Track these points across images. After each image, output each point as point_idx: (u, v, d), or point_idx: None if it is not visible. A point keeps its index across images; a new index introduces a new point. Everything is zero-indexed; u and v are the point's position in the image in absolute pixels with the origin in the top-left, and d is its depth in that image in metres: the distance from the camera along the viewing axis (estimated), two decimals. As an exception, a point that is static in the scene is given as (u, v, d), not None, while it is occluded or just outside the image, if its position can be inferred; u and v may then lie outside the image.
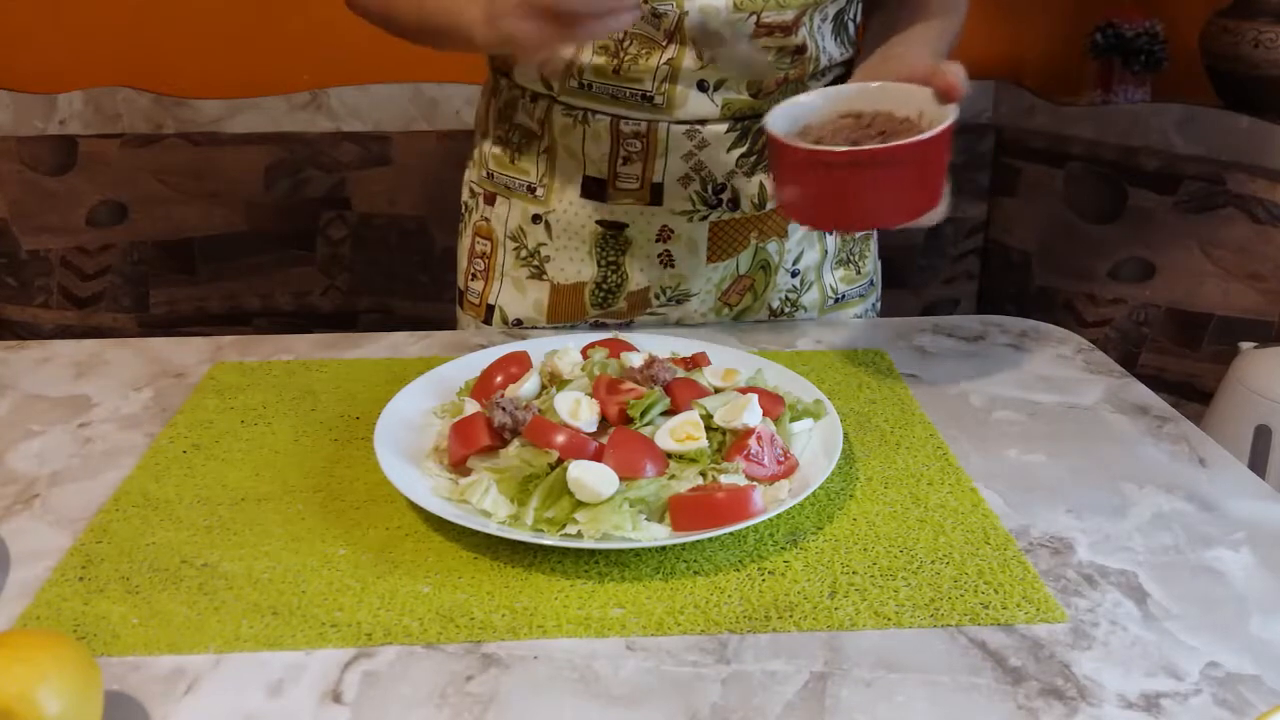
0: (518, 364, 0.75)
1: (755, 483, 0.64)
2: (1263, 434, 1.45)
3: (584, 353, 0.76)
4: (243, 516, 0.65)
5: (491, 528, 0.60)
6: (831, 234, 0.94)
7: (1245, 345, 1.56)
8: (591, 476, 0.60)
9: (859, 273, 1.01)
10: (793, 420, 0.71)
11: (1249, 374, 1.49)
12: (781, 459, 0.67)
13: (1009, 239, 1.94)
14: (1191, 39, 1.79)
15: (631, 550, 0.61)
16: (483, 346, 0.84)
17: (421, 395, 0.75)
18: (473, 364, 0.78)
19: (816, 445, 0.70)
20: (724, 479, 0.64)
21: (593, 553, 0.61)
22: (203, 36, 1.80)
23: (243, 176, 1.81)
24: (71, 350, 0.88)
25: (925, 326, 0.94)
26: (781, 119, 0.72)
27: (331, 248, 1.85)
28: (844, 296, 1.00)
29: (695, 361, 0.76)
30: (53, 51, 1.82)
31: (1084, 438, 0.76)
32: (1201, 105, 1.74)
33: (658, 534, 0.61)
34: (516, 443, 0.64)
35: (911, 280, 1.97)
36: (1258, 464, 1.45)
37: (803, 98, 0.75)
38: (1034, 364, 0.87)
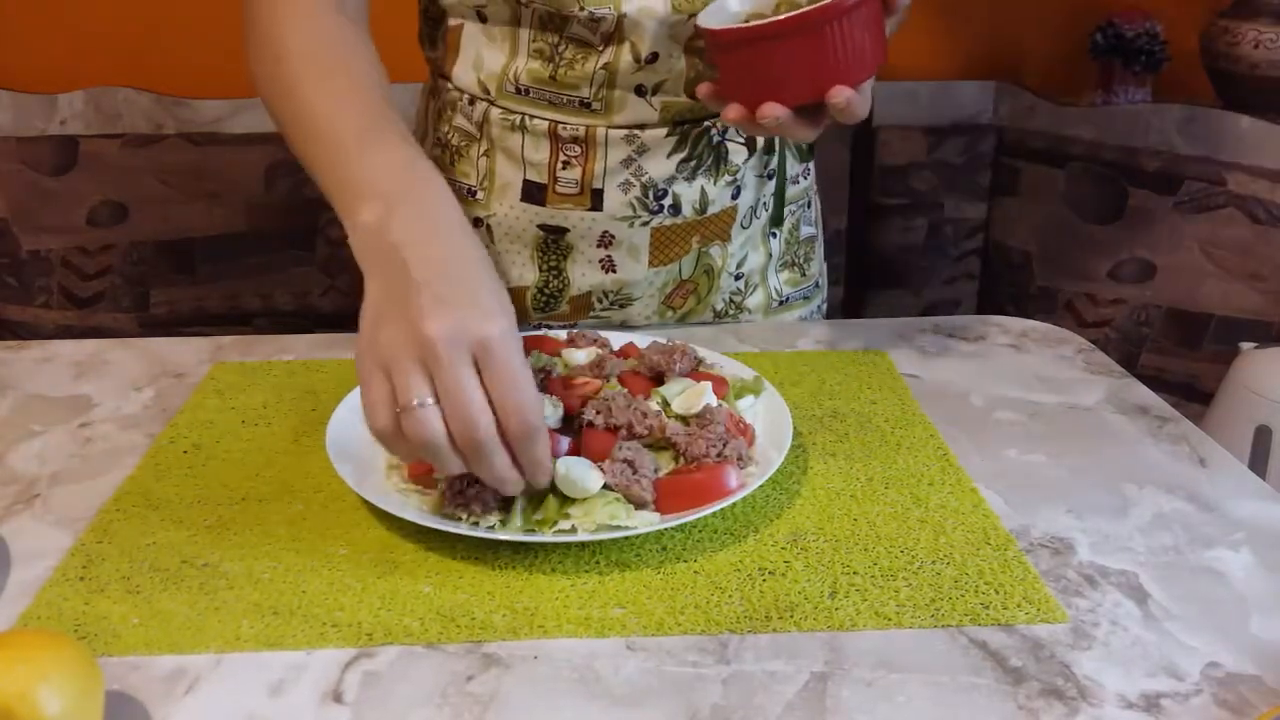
0: None
1: (726, 460, 0.65)
2: (1263, 434, 1.45)
3: None
4: (243, 516, 0.65)
5: (494, 532, 0.60)
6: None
7: (1245, 345, 1.56)
8: (579, 472, 0.61)
9: (804, 275, 1.02)
10: (736, 398, 0.74)
11: (1249, 374, 1.49)
12: (742, 429, 0.70)
13: (1009, 239, 1.94)
14: (1191, 39, 1.79)
15: (632, 550, 0.62)
16: None
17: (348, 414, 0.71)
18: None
19: (764, 420, 0.72)
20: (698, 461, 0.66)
21: (593, 552, 0.61)
22: (203, 36, 1.80)
23: (243, 176, 1.81)
24: (72, 350, 0.88)
25: (925, 326, 0.94)
26: (714, 16, 0.72)
27: (331, 248, 1.85)
28: (789, 299, 1.01)
29: (625, 353, 0.78)
30: (53, 51, 1.82)
31: (1084, 438, 0.76)
32: (1201, 105, 1.74)
33: (651, 520, 0.61)
34: None
35: (911, 280, 1.97)
36: (1258, 464, 1.45)
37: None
38: (1034, 364, 0.87)
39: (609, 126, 0.84)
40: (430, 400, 0.55)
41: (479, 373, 0.56)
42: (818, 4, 0.66)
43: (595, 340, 0.80)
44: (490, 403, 0.56)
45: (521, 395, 0.56)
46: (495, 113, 0.85)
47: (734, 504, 0.65)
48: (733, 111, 0.70)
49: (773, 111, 0.68)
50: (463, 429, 0.55)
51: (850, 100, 0.67)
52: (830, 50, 0.67)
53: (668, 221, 0.88)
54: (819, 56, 0.67)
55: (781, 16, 0.67)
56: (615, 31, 0.79)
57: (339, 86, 0.70)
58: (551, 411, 0.68)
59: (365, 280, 0.61)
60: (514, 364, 0.56)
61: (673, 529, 0.63)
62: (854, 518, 0.65)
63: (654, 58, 0.80)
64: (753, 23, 0.68)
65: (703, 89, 0.74)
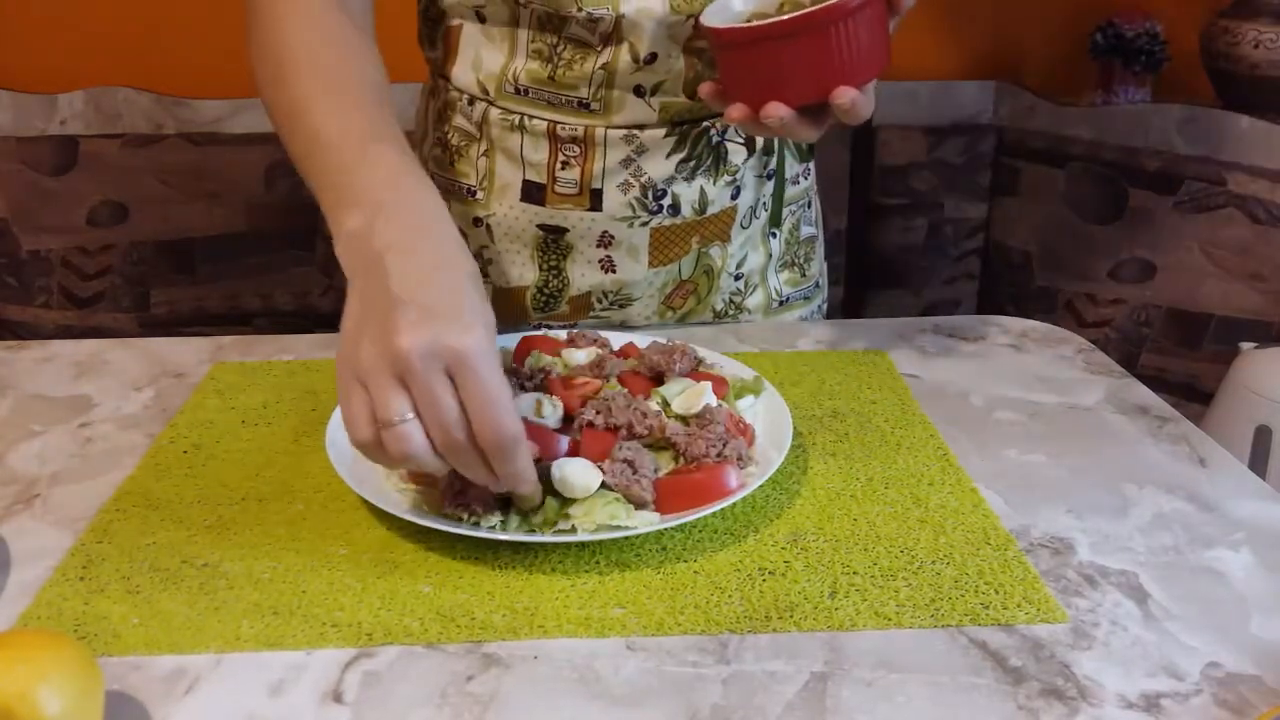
0: None
1: (726, 460, 0.65)
2: (1263, 434, 1.45)
3: (516, 356, 0.77)
4: (243, 516, 0.65)
5: (494, 532, 0.60)
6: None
7: (1245, 345, 1.56)
8: (576, 472, 0.61)
9: (804, 275, 1.02)
10: (736, 398, 0.74)
11: (1249, 374, 1.49)
12: (742, 429, 0.70)
13: (1009, 239, 1.94)
14: (1191, 39, 1.79)
15: (632, 550, 0.62)
16: None
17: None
18: None
19: (764, 420, 0.72)
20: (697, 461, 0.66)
21: (593, 552, 0.61)
22: (203, 36, 1.80)
23: (243, 176, 1.81)
24: (72, 350, 0.88)
25: (925, 326, 0.94)
26: (717, 15, 0.72)
27: (331, 247, 1.85)
28: (789, 299, 1.01)
29: (625, 353, 0.78)
30: (53, 51, 1.82)
31: (1084, 438, 0.76)
32: (1201, 105, 1.74)
33: (651, 520, 0.61)
34: None
35: (911, 280, 1.97)
36: (1258, 464, 1.46)
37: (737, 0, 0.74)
38: (1034, 364, 0.87)
39: (608, 127, 0.84)
40: (410, 415, 0.55)
41: (456, 385, 0.55)
42: (823, 4, 0.65)
43: (595, 340, 0.80)
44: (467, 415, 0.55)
45: (495, 408, 0.55)
46: (494, 113, 0.85)
47: (734, 504, 0.65)
48: (736, 111, 0.70)
49: (777, 112, 0.68)
50: (444, 438, 0.55)
51: (855, 101, 0.67)
52: (835, 51, 0.66)
53: (667, 222, 0.88)
54: (824, 57, 0.67)
55: (786, 16, 0.66)
56: (613, 32, 0.79)
57: (338, 91, 0.70)
58: (551, 411, 0.68)
59: (348, 289, 0.60)
60: (488, 377, 0.55)
61: (673, 529, 0.63)
62: (854, 518, 0.65)
63: (653, 58, 0.80)
64: (757, 22, 0.68)
65: (705, 88, 0.73)
